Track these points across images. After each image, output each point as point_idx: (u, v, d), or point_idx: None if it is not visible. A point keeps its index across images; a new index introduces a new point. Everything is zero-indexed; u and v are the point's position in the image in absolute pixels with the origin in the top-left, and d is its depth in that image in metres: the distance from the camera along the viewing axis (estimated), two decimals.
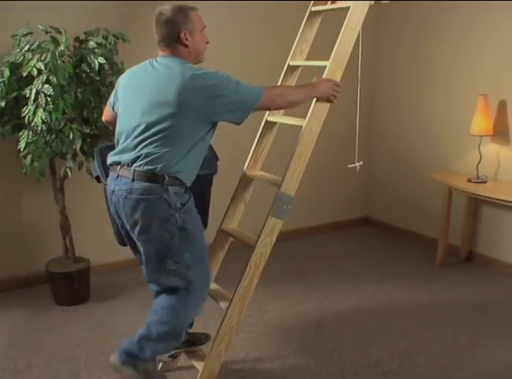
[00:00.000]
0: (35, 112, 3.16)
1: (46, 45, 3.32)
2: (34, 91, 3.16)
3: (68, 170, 3.47)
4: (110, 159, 2.48)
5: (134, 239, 2.45)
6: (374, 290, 3.95)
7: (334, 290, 3.95)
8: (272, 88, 2.51)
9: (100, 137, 3.49)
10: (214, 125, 2.42)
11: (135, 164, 2.32)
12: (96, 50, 3.35)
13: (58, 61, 3.21)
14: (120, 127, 2.46)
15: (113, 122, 2.62)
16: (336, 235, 5.18)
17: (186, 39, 2.40)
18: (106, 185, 2.52)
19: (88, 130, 3.46)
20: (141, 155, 2.32)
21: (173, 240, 2.36)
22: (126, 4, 3.98)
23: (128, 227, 2.42)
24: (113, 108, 2.61)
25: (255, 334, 3.33)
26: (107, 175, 2.53)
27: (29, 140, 3.23)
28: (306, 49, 2.98)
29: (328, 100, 2.63)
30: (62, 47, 3.30)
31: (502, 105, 4.17)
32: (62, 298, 3.73)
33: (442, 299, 3.83)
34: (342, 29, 2.64)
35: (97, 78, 3.44)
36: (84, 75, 3.42)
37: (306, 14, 2.94)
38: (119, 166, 2.38)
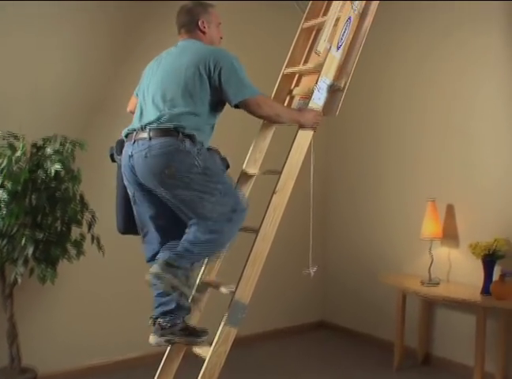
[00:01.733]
0: None
1: (3, 151, 3.34)
2: None
3: (18, 276, 3.38)
4: (124, 131, 2.66)
5: (162, 196, 2.53)
6: None
7: None
8: (266, 97, 2.68)
9: (53, 243, 3.45)
10: (221, 105, 2.64)
11: (150, 125, 2.50)
12: (53, 157, 3.38)
13: (14, 167, 3.22)
14: (139, 101, 2.69)
15: None
16: (292, 340, 5.09)
17: (204, 27, 2.72)
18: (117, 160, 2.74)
19: (41, 236, 3.41)
20: (157, 116, 2.51)
21: (200, 182, 2.48)
22: (85, 111, 4.09)
23: (153, 186, 2.52)
24: (137, 95, 2.79)
25: None
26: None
27: None
28: (260, 159, 3.05)
29: (312, 127, 2.75)
30: (18, 153, 3.32)
31: (450, 209, 4.33)
32: None
33: None
34: (296, 138, 2.74)
35: (52, 184, 3.44)
36: (39, 181, 3.42)
37: (261, 124, 3.05)
38: (134, 133, 2.56)
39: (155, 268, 2.47)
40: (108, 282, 4.20)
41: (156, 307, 2.66)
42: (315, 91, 2.77)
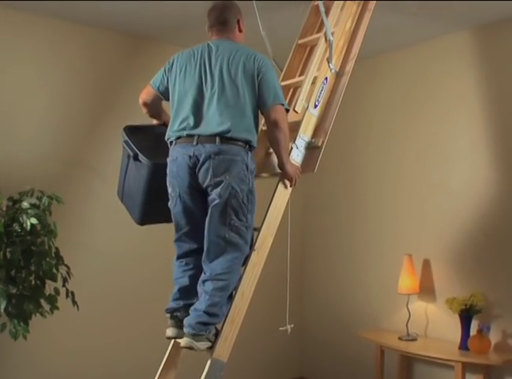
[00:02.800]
0: None
1: None
2: None
3: None
4: (177, 133, 2.68)
5: (209, 194, 2.62)
6: None
7: None
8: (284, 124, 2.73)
9: (27, 298, 3.38)
10: None
11: (219, 131, 2.58)
12: (29, 211, 3.34)
13: None
14: (186, 103, 2.68)
15: (151, 104, 2.93)
16: None
17: (242, 26, 2.81)
18: (142, 161, 2.85)
19: (14, 290, 3.34)
20: (226, 125, 2.58)
21: (243, 199, 2.62)
22: (63, 166, 4.09)
23: (205, 185, 2.61)
24: (158, 88, 2.84)
25: None
26: (141, 152, 2.87)
27: None
28: None
29: (291, 179, 2.81)
30: None
31: (427, 264, 4.36)
32: None
33: None
34: (274, 197, 2.77)
35: (28, 238, 3.40)
36: (14, 234, 3.38)
37: None
38: (196, 136, 2.61)
39: (186, 342, 2.58)
40: (82, 337, 4.11)
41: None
42: (294, 149, 2.82)
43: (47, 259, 3.43)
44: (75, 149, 4.19)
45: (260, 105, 2.69)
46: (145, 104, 2.96)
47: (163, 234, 4.28)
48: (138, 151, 2.91)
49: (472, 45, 4.25)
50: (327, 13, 3.11)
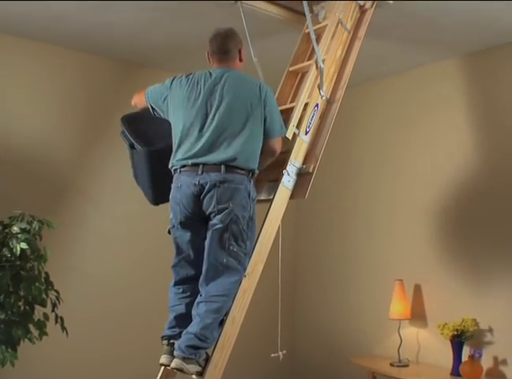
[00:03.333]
0: None
1: None
2: None
3: None
4: (182, 162, 2.71)
5: (211, 220, 2.66)
6: None
7: None
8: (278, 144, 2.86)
9: (15, 324, 3.34)
10: None
11: (225, 160, 2.63)
12: (19, 236, 3.32)
13: None
14: (190, 132, 2.71)
15: (143, 108, 3.01)
16: None
17: (243, 56, 2.87)
18: (137, 149, 2.95)
19: (3, 316, 3.31)
20: (231, 154, 2.64)
21: (244, 225, 2.66)
22: (55, 190, 4.09)
23: (208, 212, 2.66)
24: (152, 103, 2.90)
25: None
26: (137, 142, 2.95)
27: None
28: None
29: None
30: None
31: (418, 289, 4.36)
32: None
33: None
34: (265, 223, 2.78)
35: (18, 263, 3.37)
36: (4, 259, 3.35)
37: None
38: (202, 165, 2.65)
39: (177, 363, 2.57)
40: (71, 364, 4.07)
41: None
42: (285, 175, 2.84)
43: (37, 284, 3.40)
44: (67, 173, 4.19)
45: (265, 134, 2.76)
46: (136, 106, 3.08)
47: (155, 260, 4.31)
48: (133, 141, 3.00)
49: (460, 72, 4.31)
50: (318, 40, 3.15)
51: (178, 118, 2.80)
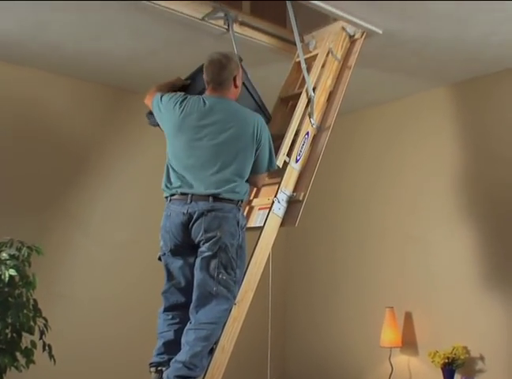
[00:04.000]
0: None
1: None
2: None
3: None
4: (171, 191, 2.73)
5: (200, 248, 2.66)
6: None
7: None
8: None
9: (2, 351, 3.30)
10: None
11: (213, 192, 2.64)
12: (8, 262, 3.29)
13: None
14: (181, 161, 2.73)
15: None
16: None
17: (237, 83, 2.84)
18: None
19: None
20: (219, 184, 2.65)
21: (233, 253, 2.66)
22: (45, 216, 4.07)
23: (197, 240, 2.66)
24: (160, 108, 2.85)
25: None
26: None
27: None
28: None
29: None
30: None
31: (408, 317, 4.35)
32: None
33: None
34: (255, 251, 2.78)
35: (6, 289, 3.34)
36: None
37: None
38: (190, 195, 2.67)
39: None
40: None
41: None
42: (275, 203, 2.85)
43: (25, 311, 3.37)
44: (57, 200, 4.18)
45: (254, 168, 2.79)
46: (148, 106, 3.03)
47: (144, 287, 4.29)
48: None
49: (449, 101, 4.36)
50: (309, 69, 3.20)
51: (169, 143, 2.81)
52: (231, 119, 2.73)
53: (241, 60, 2.98)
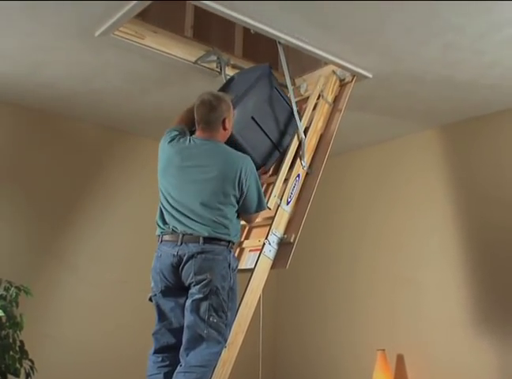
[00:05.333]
0: None
1: None
2: None
3: None
4: (162, 230, 2.73)
5: (190, 290, 2.64)
6: None
7: None
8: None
9: None
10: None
11: (203, 233, 2.63)
12: None
13: None
14: (172, 201, 2.72)
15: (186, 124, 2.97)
16: None
17: (227, 125, 2.82)
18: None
19: None
20: (209, 225, 2.64)
21: (224, 296, 2.63)
22: (34, 256, 4.05)
23: (187, 282, 2.65)
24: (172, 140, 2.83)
25: None
26: None
27: None
28: None
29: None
30: None
31: (400, 359, 4.30)
32: None
33: None
34: (245, 293, 2.76)
35: None
36: None
37: None
38: (181, 235, 2.66)
39: None
40: None
41: None
42: (266, 245, 2.85)
43: (11, 353, 3.33)
44: (47, 240, 4.16)
45: (243, 210, 2.79)
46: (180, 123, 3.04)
47: (132, 328, 4.24)
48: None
49: (438, 143, 4.42)
50: (300, 112, 3.23)
51: (161, 182, 2.82)
52: (214, 162, 2.72)
53: (271, 67, 3.16)
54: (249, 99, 3.03)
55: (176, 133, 2.87)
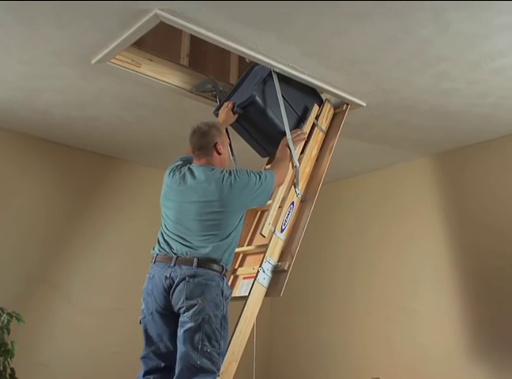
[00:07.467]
0: None
1: None
2: None
3: None
4: (158, 252, 2.73)
5: (181, 317, 2.59)
6: None
7: None
8: (276, 170, 2.95)
9: None
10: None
11: (196, 255, 2.62)
12: None
13: None
14: (170, 224, 2.76)
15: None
16: None
17: (220, 149, 2.84)
18: None
19: None
20: (201, 248, 2.64)
21: (217, 325, 2.58)
22: (26, 283, 4.02)
23: (178, 307, 2.61)
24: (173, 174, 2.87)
25: None
26: None
27: None
28: None
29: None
30: None
31: None
32: None
33: None
34: (239, 321, 2.74)
35: None
36: None
37: None
38: (175, 257, 2.66)
39: None
40: None
41: None
42: (260, 272, 2.83)
43: None
44: (39, 267, 4.13)
45: (263, 197, 2.84)
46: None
47: (126, 355, 4.20)
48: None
49: (432, 171, 4.45)
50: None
51: (162, 205, 2.86)
52: (203, 187, 2.73)
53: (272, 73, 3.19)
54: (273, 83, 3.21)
55: (179, 163, 2.94)
